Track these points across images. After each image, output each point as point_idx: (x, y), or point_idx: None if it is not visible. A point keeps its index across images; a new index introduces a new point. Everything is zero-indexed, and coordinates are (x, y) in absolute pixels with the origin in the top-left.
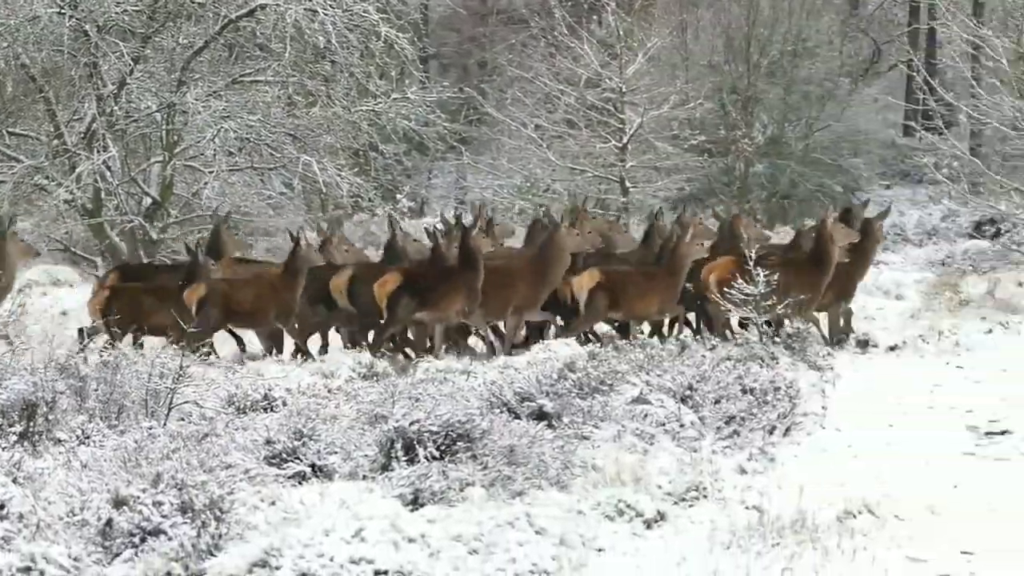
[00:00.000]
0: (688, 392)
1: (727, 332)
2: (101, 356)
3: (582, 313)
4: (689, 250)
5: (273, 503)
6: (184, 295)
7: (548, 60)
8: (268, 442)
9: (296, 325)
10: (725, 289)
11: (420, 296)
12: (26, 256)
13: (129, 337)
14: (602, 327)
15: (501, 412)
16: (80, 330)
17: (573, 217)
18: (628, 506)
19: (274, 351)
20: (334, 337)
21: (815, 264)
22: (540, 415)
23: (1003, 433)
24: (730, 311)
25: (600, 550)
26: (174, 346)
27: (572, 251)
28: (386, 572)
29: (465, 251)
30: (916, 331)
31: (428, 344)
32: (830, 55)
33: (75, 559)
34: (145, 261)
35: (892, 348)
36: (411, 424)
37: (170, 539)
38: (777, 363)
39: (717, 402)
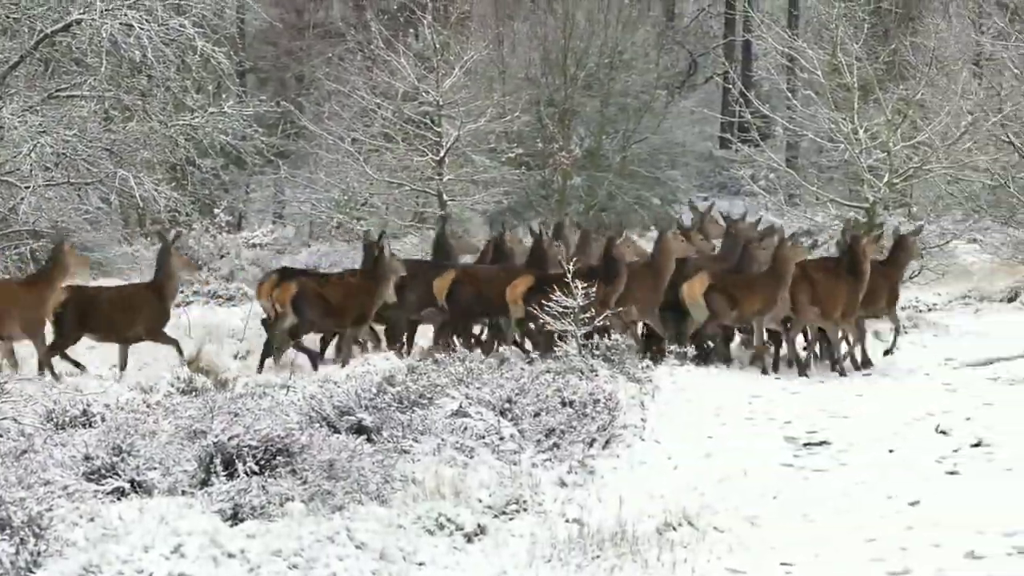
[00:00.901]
0: (508, 405)
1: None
2: None
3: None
4: (793, 254)
5: (92, 519)
6: (275, 295)
7: (365, 74)
8: (87, 458)
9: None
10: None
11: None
12: (188, 269)
13: None
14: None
15: (321, 426)
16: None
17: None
18: (448, 520)
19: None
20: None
21: (853, 275)
22: (360, 429)
23: (821, 444)
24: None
25: (421, 564)
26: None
27: (680, 256)
28: None
29: (608, 259)
30: (736, 341)
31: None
32: (646, 67)
33: None
34: None
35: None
36: (230, 439)
37: None
38: (596, 375)
39: (537, 415)
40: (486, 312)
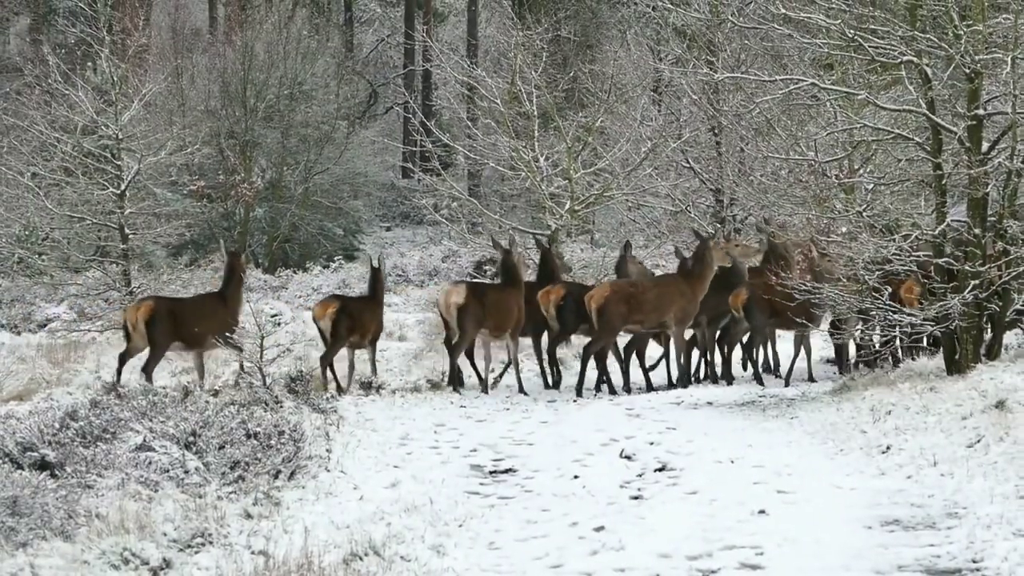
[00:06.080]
0: (192, 438)
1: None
2: None
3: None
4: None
5: None
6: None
7: (43, 108)
8: None
9: None
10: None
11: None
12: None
13: None
14: None
15: (3, 462)
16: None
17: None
18: (133, 554)
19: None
20: None
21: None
22: (43, 465)
23: (507, 472)
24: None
25: None
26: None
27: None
28: None
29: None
30: (421, 372)
31: None
32: (327, 98)
33: None
34: None
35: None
36: None
37: None
38: (281, 407)
39: (221, 447)
40: None
